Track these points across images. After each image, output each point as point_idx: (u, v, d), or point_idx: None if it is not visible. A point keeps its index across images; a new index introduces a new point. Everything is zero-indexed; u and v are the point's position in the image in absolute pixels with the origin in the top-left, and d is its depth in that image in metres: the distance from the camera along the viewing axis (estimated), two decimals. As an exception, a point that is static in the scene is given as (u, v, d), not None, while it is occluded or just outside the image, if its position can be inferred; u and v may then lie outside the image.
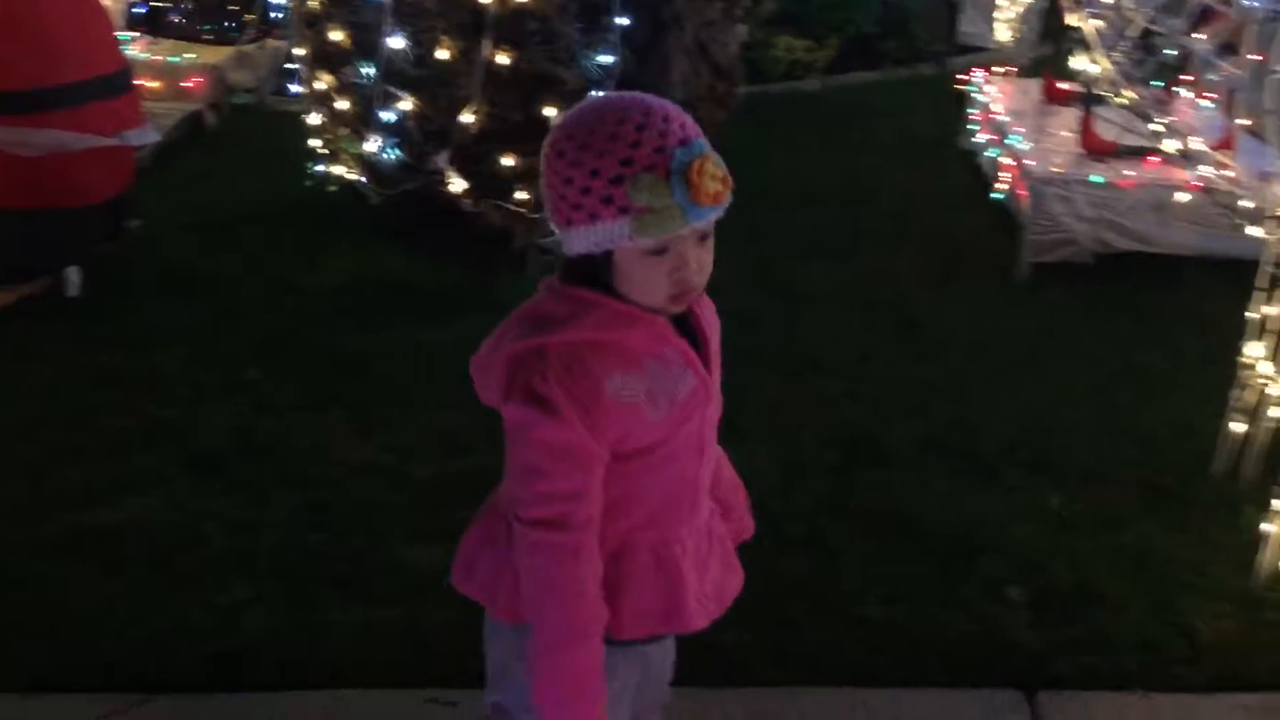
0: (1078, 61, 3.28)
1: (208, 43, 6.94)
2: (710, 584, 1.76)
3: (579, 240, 1.50)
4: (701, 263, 1.52)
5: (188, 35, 6.95)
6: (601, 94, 1.55)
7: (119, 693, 2.56)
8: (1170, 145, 2.78)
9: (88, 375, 3.85)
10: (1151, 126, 2.78)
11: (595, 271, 1.52)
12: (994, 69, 6.21)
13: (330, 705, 2.56)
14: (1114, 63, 2.86)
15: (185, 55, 6.69)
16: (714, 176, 1.44)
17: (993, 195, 5.11)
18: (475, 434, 3.53)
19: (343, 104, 4.45)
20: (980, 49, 8.25)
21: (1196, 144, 2.78)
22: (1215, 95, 4.63)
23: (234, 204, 5.28)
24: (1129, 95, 2.82)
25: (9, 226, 4.16)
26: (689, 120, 1.50)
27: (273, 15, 7.19)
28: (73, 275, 4.38)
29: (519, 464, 1.57)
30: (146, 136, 4.48)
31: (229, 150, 6.20)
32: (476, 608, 2.76)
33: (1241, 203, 2.72)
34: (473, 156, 4.29)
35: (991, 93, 5.71)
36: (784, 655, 2.65)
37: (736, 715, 2.51)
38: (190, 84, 6.54)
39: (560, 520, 1.55)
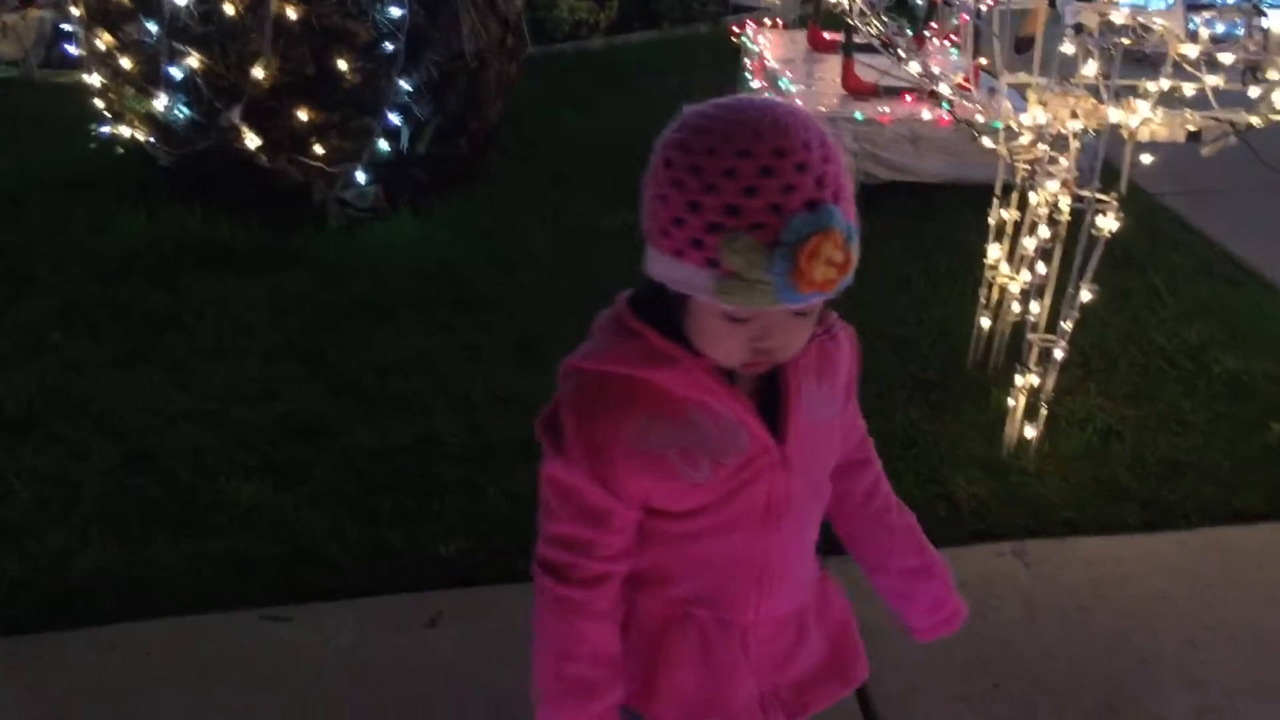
0: (834, -4, 3.61)
1: (-35, 12, 6.64)
2: (791, 680, 1.52)
3: (657, 265, 1.23)
4: (792, 336, 1.26)
5: (-58, 5, 6.63)
6: (744, 100, 1.21)
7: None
8: (914, 68, 3.13)
9: None
10: (900, 54, 3.12)
11: (666, 303, 1.27)
12: (764, 22, 6.60)
13: (170, 631, 2.64)
14: (861, -3, 3.20)
15: (-59, 26, 6.38)
16: (830, 261, 1.15)
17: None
18: (293, 379, 3.64)
19: (126, 62, 4.40)
20: (751, 8, 8.68)
21: (937, 70, 3.14)
22: (957, 39, 5.11)
23: (13, 176, 5.12)
24: (876, 25, 3.16)
25: None
26: (834, 170, 1.18)
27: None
28: None
29: (540, 493, 1.38)
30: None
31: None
32: (297, 536, 2.90)
33: (978, 117, 3.10)
34: (267, 112, 4.33)
35: (763, 43, 6.08)
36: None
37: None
38: (-51, 56, 6.25)
39: (564, 569, 1.37)
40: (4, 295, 4.11)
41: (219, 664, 2.54)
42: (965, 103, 3.19)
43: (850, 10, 3.49)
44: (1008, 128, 3.13)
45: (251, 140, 4.36)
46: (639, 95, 6.47)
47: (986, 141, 3.11)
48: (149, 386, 3.57)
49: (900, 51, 3.16)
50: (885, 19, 3.23)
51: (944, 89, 3.12)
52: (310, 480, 3.14)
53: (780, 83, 5.37)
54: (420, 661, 2.56)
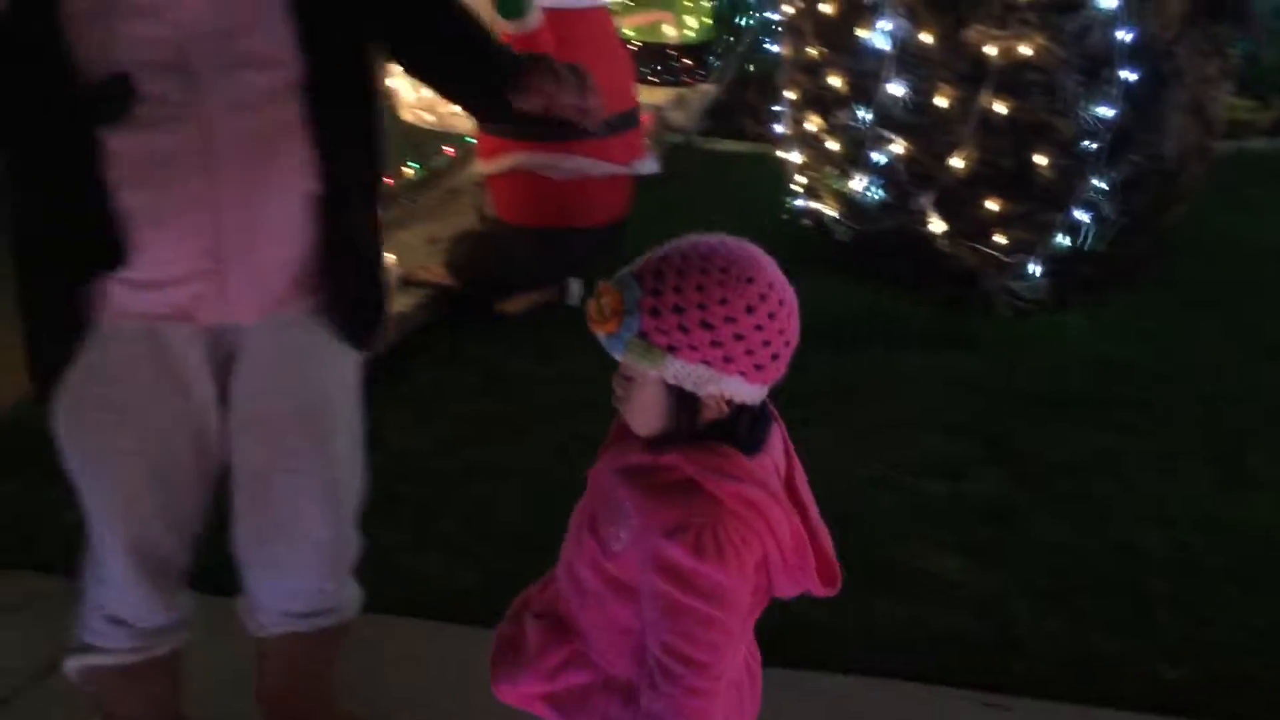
0: None
1: (650, 84, 7.55)
2: None
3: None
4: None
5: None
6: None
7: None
8: None
9: (595, 379, 4.29)
10: None
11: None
12: None
13: (881, 693, 2.76)
14: None
15: (636, 96, 7.31)
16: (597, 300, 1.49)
17: None
18: (976, 461, 3.73)
19: (832, 145, 4.79)
20: None
21: None
22: None
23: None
24: None
25: (532, 241, 4.73)
26: (672, 289, 1.48)
27: (711, 61, 7.75)
28: (574, 286, 4.90)
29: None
30: (650, 167, 4.97)
31: (675, 184, 6.70)
32: (1003, 622, 2.94)
33: None
34: (957, 199, 4.52)
35: None
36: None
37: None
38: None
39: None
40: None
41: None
42: None
43: None
44: None
45: (937, 225, 4.56)
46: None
47: None
48: (843, 449, 3.78)
49: None
50: None
51: None
52: (1008, 566, 3.20)
53: None
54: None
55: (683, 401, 1.51)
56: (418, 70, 2.17)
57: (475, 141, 5.02)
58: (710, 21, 7.57)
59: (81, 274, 1.82)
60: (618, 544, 1.56)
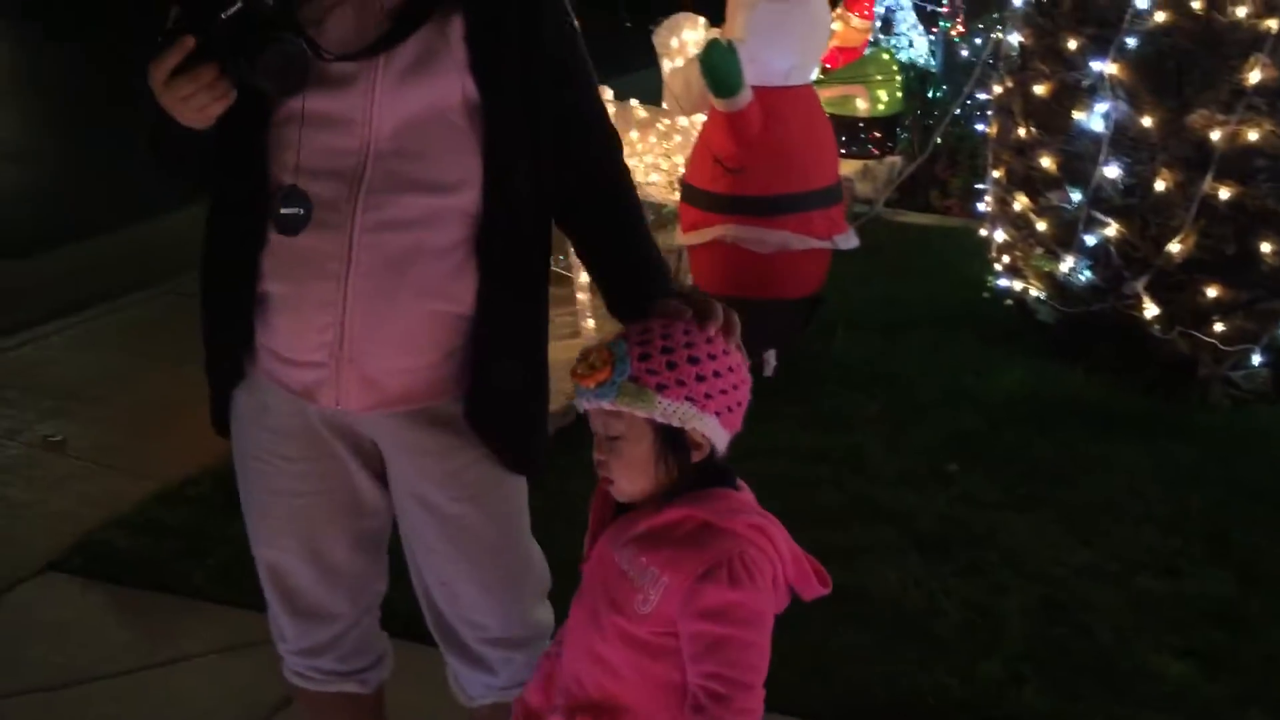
0: None
1: (840, 156, 7.57)
2: None
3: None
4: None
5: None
6: None
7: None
8: None
9: (790, 450, 4.31)
10: None
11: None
12: None
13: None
14: None
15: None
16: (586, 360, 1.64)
17: None
18: (1195, 557, 3.59)
19: (1041, 225, 4.72)
20: None
21: None
22: None
23: (891, 308, 5.69)
24: None
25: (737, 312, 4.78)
26: (658, 350, 1.63)
27: (899, 133, 7.75)
28: (771, 358, 4.93)
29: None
30: (851, 242, 4.98)
31: (867, 256, 6.67)
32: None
33: None
34: (1173, 285, 4.40)
35: None
36: None
37: None
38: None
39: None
40: (902, 418, 4.56)
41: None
42: None
43: None
44: None
45: (1150, 310, 4.44)
46: None
47: None
48: (1048, 534, 3.73)
49: None
50: None
51: None
52: (1243, 675, 3.06)
53: None
54: None
55: (671, 443, 1.64)
56: (569, 236, 2.08)
57: (676, 212, 5.12)
58: (900, 95, 7.57)
59: (231, 337, 1.97)
60: (646, 607, 1.65)
